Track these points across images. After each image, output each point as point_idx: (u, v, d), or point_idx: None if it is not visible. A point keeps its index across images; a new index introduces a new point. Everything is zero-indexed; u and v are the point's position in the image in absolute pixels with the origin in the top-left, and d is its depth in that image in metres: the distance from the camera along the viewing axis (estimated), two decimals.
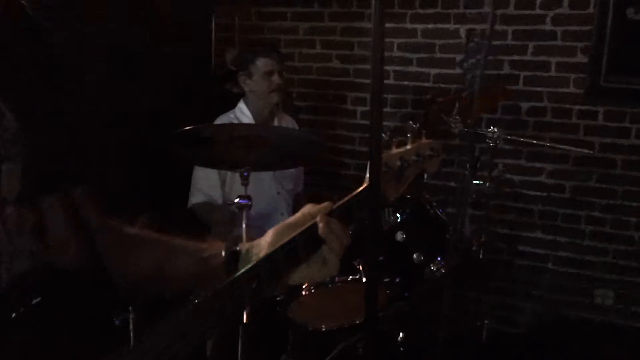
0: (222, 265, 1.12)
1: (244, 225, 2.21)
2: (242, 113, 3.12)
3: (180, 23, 3.74)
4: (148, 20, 3.45)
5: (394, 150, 1.27)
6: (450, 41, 3.67)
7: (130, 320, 2.03)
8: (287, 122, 3.30)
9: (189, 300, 0.96)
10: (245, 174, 2.24)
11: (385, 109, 3.88)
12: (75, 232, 0.85)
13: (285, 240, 1.08)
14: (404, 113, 3.83)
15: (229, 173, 3.00)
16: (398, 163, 1.27)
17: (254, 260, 1.08)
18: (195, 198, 3.07)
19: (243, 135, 2.30)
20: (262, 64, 3.05)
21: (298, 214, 1.15)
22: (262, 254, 1.09)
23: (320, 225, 1.09)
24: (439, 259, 2.60)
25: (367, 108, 3.92)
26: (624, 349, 3.36)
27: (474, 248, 2.79)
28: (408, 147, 1.31)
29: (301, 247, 1.10)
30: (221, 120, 3.10)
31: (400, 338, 2.60)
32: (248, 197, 2.24)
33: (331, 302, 2.55)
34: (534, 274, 3.69)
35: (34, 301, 0.80)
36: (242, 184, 2.25)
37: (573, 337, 3.49)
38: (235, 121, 3.08)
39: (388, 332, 2.62)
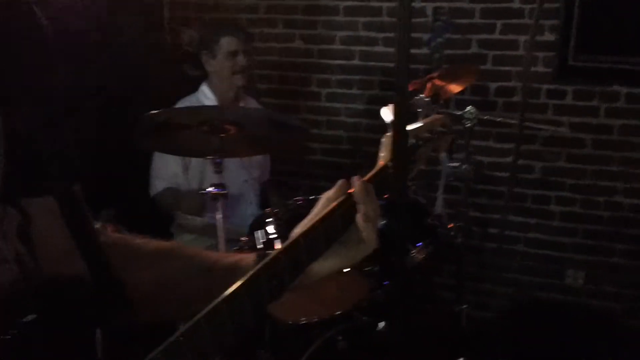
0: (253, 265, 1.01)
1: (220, 216, 2.07)
2: (205, 96, 2.97)
3: (131, 1, 3.54)
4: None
5: (407, 128, 1.17)
6: (416, 20, 3.56)
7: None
8: (251, 104, 3.15)
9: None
10: (219, 160, 2.10)
11: (351, 91, 3.77)
12: (75, 241, 0.71)
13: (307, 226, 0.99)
14: (370, 95, 3.72)
15: (192, 160, 2.85)
16: (412, 141, 1.17)
17: None
18: (157, 187, 2.90)
19: (212, 118, 2.16)
20: (226, 43, 2.88)
21: (318, 205, 1.05)
22: None
23: (357, 188, 1.01)
24: (419, 244, 2.51)
25: (333, 90, 3.80)
26: (596, 329, 3.36)
27: (452, 233, 2.71)
28: (421, 123, 1.21)
29: (336, 227, 1.01)
30: (183, 104, 2.94)
31: (381, 327, 2.51)
32: (222, 186, 2.10)
33: (307, 295, 2.44)
34: (504, 257, 3.65)
35: (29, 318, 0.66)
36: (215, 172, 2.11)
37: (545, 319, 3.47)
38: (197, 104, 2.92)
39: (368, 322, 2.52)
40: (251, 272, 0.91)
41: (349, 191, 1.03)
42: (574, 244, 3.54)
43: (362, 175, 1.09)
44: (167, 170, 2.89)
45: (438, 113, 1.31)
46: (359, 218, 1.01)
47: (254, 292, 0.90)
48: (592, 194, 3.46)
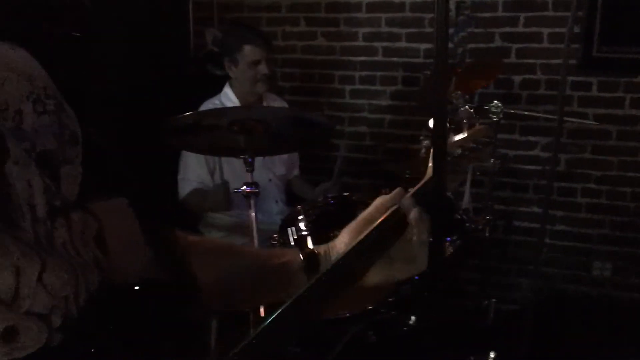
0: (302, 269, 1.04)
1: (253, 214, 2.10)
2: (228, 99, 2.98)
3: (156, 3, 3.57)
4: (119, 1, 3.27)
5: (453, 138, 1.18)
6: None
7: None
8: (275, 103, 3.17)
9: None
10: (250, 159, 2.13)
11: (374, 87, 3.78)
12: (149, 243, 0.73)
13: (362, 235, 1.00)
14: (394, 91, 3.73)
15: (218, 159, 2.88)
16: (459, 151, 1.18)
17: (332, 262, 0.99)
18: (185, 189, 2.94)
19: (240, 119, 2.19)
20: (248, 52, 2.88)
21: (371, 208, 1.06)
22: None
23: (413, 213, 1.00)
24: (447, 239, 2.52)
25: (356, 86, 3.81)
26: (623, 321, 3.35)
27: (480, 227, 2.72)
28: (465, 134, 1.22)
29: (384, 241, 1.01)
30: (206, 106, 2.96)
31: (412, 322, 2.53)
32: (255, 184, 2.13)
33: None
34: (530, 250, 3.65)
35: (111, 327, 0.69)
36: (247, 171, 2.14)
37: (572, 311, 3.46)
38: (221, 107, 2.94)
39: (398, 316, 2.54)
40: (307, 286, 0.92)
41: (395, 207, 1.03)
42: (600, 235, 3.52)
43: (413, 185, 1.08)
44: (192, 172, 2.92)
45: (481, 124, 1.31)
46: (414, 242, 1.00)
47: (311, 303, 0.91)
48: (618, 185, 3.45)
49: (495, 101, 2.64)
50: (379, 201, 1.06)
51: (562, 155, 3.51)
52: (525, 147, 3.56)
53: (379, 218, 1.02)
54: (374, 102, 3.80)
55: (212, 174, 2.92)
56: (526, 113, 3.05)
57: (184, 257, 0.77)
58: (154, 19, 3.53)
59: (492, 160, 2.69)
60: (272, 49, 3.05)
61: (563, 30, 3.33)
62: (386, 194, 1.10)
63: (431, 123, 1.11)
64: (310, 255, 1.05)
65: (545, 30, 3.41)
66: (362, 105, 3.83)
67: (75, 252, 0.68)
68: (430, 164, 1.13)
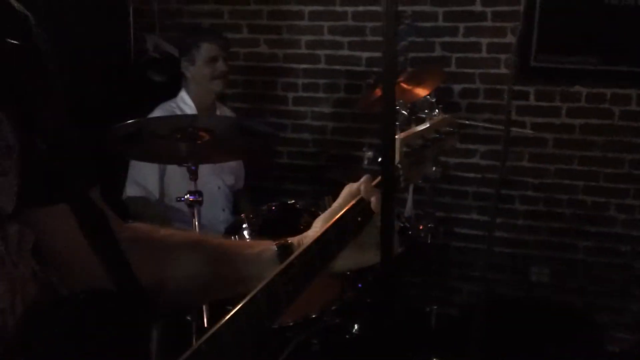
0: (275, 260, 1.02)
1: (196, 222, 2.06)
2: (184, 102, 2.97)
3: (96, 10, 3.48)
4: (58, 8, 3.18)
5: (415, 129, 1.18)
6: (381, 24, 3.59)
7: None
8: (225, 113, 3.17)
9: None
10: (193, 167, 2.09)
11: (317, 94, 3.78)
12: (92, 244, 0.69)
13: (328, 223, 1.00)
14: (336, 98, 3.74)
15: (168, 167, 2.84)
16: (420, 142, 1.18)
17: None
18: (131, 190, 2.89)
19: (186, 126, 2.15)
20: (206, 49, 2.91)
21: (340, 198, 1.06)
22: None
23: (374, 199, 1.01)
24: None
25: (299, 94, 3.81)
26: (560, 324, 3.43)
27: (422, 234, 2.74)
28: (427, 124, 1.22)
29: (349, 229, 1.01)
30: (162, 109, 2.93)
31: (355, 330, 2.53)
32: (198, 193, 2.09)
33: None
34: (470, 256, 3.71)
35: (50, 334, 0.65)
36: (191, 179, 2.10)
37: (511, 316, 3.53)
38: (178, 111, 2.93)
39: (342, 324, 2.53)
40: (268, 279, 0.90)
41: (358, 197, 1.04)
42: (538, 241, 3.61)
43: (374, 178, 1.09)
44: (142, 177, 2.88)
45: (444, 114, 1.32)
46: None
47: (270, 298, 0.90)
48: (555, 192, 3.54)
49: (437, 110, 2.66)
50: (347, 190, 1.06)
51: (499, 163, 3.57)
52: (465, 155, 3.62)
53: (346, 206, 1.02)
54: (317, 109, 3.80)
55: (160, 180, 2.88)
56: (467, 122, 3.09)
57: (132, 263, 0.73)
58: (95, 26, 3.44)
59: (433, 168, 2.71)
60: (229, 47, 3.07)
61: (502, 40, 3.43)
62: (329, 201, 1.09)
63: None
64: (284, 245, 1.04)
65: (484, 40, 3.47)
66: (305, 112, 3.83)
67: (12, 265, 0.65)
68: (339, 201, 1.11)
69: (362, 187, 1.04)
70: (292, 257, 0.95)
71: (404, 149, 1.13)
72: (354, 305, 2.54)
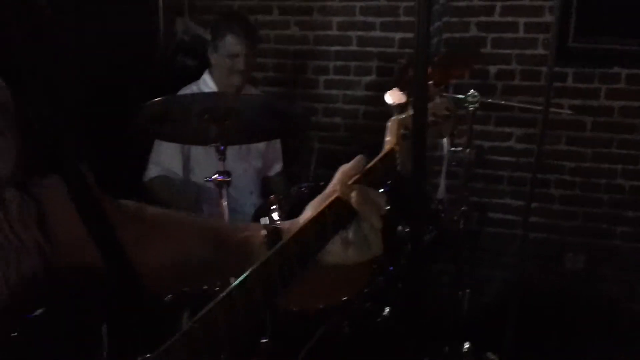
0: (264, 245, 0.99)
1: (224, 203, 2.04)
2: (206, 85, 2.92)
3: None
4: None
5: (411, 112, 1.14)
6: (414, 3, 3.52)
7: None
8: (252, 92, 3.11)
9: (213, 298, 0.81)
10: (222, 147, 2.07)
11: (348, 77, 3.73)
12: (86, 225, 0.67)
13: (317, 210, 0.95)
14: (368, 81, 3.69)
15: (193, 149, 2.82)
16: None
17: None
18: (152, 172, 2.86)
19: (212, 107, 2.13)
20: (230, 43, 2.81)
21: (334, 180, 1.00)
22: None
23: (353, 195, 0.94)
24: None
25: (330, 77, 3.76)
26: (596, 313, 3.36)
27: (455, 218, 2.69)
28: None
29: (329, 221, 0.95)
30: (184, 92, 2.90)
31: (386, 313, 2.49)
32: (227, 173, 2.07)
33: (309, 281, 2.42)
34: (503, 242, 3.64)
35: (36, 313, 0.63)
36: (219, 159, 2.08)
37: (545, 303, 3.46)
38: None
39: (373, 308, 2.50)
40: (262, 259, 0.88)
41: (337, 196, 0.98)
42: (573, 227, 3.52)
43: (369, 161, 1.05)
44: (165, 157, 2.85)
45: (441, 96, 1.28)
46: (363, 226, 0.96)
47: (265, 279, 0.87)
48: (592, 177, 3.45)
49: (472, 90, 2.60)
50: (340, 172, 1.01)
51: (535, 146, 3.49)
52: (499, 138, 3.54)
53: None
54: (349, 92, 3.75)
55: (184, 164, 2.86)
56: (503, 102, 3.02)
57: (123, 241, 0.71)
58: (123, 8, 3.44)
59: (466, 150, 2.66)
60: (256, 45, 2.94)
61: (539, 19, 3.33)
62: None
63: (386, 96, 1.07)
64: (273, 231, 1.00)
65: (521, 20, 3.39)
66: (337, 95, 3.78)
67: (13, 234, 0.63)
68: (387, 138, 1.10)
69: (338, 187, 0.97)
70: (287, 239, 0.91)
71: (402, 132, 1.10)
72: (385, 290, 2.51)
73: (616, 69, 3.30)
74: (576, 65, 3.35)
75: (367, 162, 1.04)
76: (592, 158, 3.43)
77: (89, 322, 0.69)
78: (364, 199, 0.95)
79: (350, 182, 0.98)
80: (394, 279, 2.52)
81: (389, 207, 1.00)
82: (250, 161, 3.04)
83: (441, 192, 2.73)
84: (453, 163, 2.73)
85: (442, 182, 2.76)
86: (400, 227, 2.48)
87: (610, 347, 3.05)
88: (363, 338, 2.45)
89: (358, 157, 1.02)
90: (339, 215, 0.96)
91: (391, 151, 1.09)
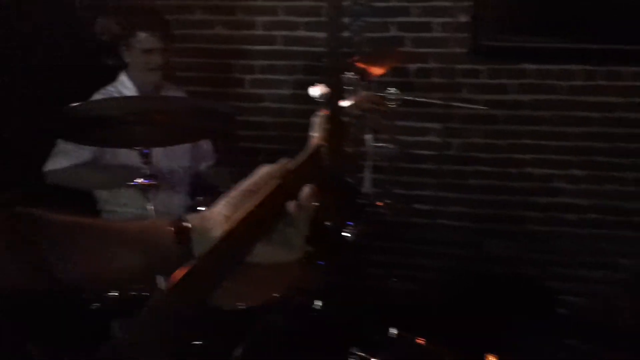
0: (174, 245, 0.96)
1: (151, 207, 2.06)
2: (124, 86, 2.88)
3: None
4: None
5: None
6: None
7: None
8: (175, 93, 3.11)
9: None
10: (146, 151, 2.08)
11: (275, 76, 3.78)
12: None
13: (245, 211, 0.96)
14: (295, 80, 3.75)
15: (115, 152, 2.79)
16: (344, 119, 1.19)
17: (210, 236, 0.95)
18: (61, 163, 2.75)
19: (138, 109, 2.13)
20: (142, 39, 2.78)
21: (255, 177, 1.02)
22: (218, 228, 0.96)
23: (292, 205, 0.98)
24: (350, 224, 2.58)
25: (256, 76, 3.81)
26: (515, 294, 3.55)
27: (381, 211, 2.80)
28: (351, 101, 1.24)
29: (266, 220, 0.98)
30: (101, 95, 2.86)
31: (318, 307, 2.57)
32: (153, 176, 2.08)
33: (240, 279, 2.45)
34: (428, 231, 3.79)
35: None
36: (144, 163, 2.08)
37: (468, 288, 3.63)
38: (117, 95, 2.84)
39: (305, 303, 2.57)
40: (194, 263, 0.89)
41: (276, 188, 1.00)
42: (491, 215, 3.71)
43: (293, 156, 1.07)
44: (79, 153, 2.77)
45: (366, 91, 1.34)
46: (289, 230, 0.99)
47: (195, 284, 0.89)
48: (507, 167, 3.64)
49: (393, 88, 2.71)
50: (262, 171, 1.02)
51: (453, 140, 3.67)
52: (420, 133, 3.69)
53: (261, 189, 0.99)
54: (275, 91, 3.81)
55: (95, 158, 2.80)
56: (423, 100, 3.16)
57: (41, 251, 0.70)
58: (39, 7, 3.37)
59: (390, 146, 2.77)
60: (170, 38, 2.92)
61: (454, 20, 3.49)
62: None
63: (310, 91, 1.10)
64: (181, 226, 0.97)
65: (437, 20, 3.53)
66: (263, 95, 3.83)
67: None
68: (313, 133, 1.11)
69: (286, 166, 1.01)
70: (217, 242, 0.93)
71: (327, 127, 1.12)
72: (317, 283, 2.58)
73: (525, 65, 3.49)
74: (488, 62, 3.53)
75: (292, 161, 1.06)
76: (506, 149, 3.61)
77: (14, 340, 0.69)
78: (301, 211, 0.98)
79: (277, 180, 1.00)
80: (324, 273, 2.60)
81: (318, 203, 1.02)
82: (177, 161, 3.02)
83: (367, 186, 2.83)
84: (377, 158, 2.83)
85: (367, 176, 2.86)
86: (328, 222, 2.56)
87: (528, 322, 3.23)
88: (297, 332, 2.51)
89: (282, 161, 1.04)
90: (270, 214, 0.99)
91: (318, 147, 1.10)
